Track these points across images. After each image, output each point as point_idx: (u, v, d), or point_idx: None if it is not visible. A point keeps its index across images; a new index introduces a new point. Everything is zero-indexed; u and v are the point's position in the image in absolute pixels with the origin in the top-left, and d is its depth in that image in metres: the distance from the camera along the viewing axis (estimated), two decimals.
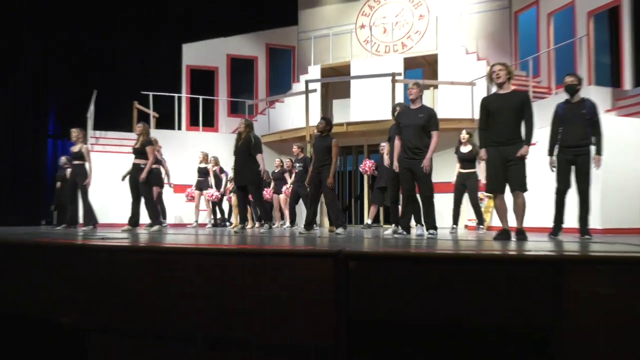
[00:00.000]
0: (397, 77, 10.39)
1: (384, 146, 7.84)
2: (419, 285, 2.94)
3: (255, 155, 6.90)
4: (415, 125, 5.61)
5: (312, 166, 6.99)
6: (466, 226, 9.69)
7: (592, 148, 5.34)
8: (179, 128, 12.83)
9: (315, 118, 11.75)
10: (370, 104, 11.19)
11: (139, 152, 7.26)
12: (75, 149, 8.04)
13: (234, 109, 14.36)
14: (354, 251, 3.18)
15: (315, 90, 11.50)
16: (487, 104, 4.99)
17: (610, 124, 6.92)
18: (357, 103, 11.59)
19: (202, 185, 10.17)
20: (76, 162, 7.98)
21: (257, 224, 9.56)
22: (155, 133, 11.43)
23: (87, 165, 7.99)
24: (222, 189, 10.17)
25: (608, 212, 6.65)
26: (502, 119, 4.85)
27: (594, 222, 6.65)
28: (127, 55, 13.78)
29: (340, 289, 3.04)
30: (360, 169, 9.03)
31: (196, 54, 14.10)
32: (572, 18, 10.87)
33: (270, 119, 12.89)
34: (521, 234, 4.83)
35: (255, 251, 3.43)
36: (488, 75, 5.13)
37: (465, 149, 7.72)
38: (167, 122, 12.64)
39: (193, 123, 13.31)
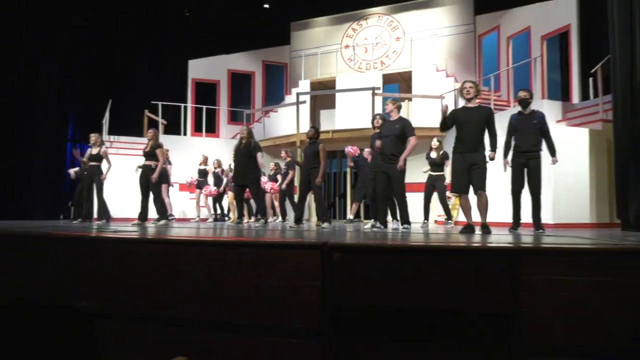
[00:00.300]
0: (376, 91, 10.40)
1: (366, 151, 7.90)
2: (395, 273, 2.91)
3: (256, 155, 6.88)
4: (393, 135, 5.66)
5: (302, 168, 6.97)
6: (436, 221, 9.71)
7: (542, 153, 5.41)
8: (185, 134, 12.71)
9: (305, 126, 11.70)
10: (353, 114, 11.17)
11: (149, 155, 7.17)
12: (94, 151, 7.91)
13: (234, 117, 14.26)
14: (338, 243, 3.15)
15: (305, 102, 11.46)
16: (456, 115, 5.02)
17: (561, 133, 6.97)
18: (342, 113, 11.57)
19: (201, 185, 10.08)
20: (93, 163, 7.84)
21: (252, 219, 9.49)
22: (163, 138, 11.27)
23: (104, 165, 7.86)
24: (222, 187, 10.08)
25: (559, 209, 6.70)
26: (469, 130, 4.86)
27: (547, 218, 6.70)
28: (140, 69, 13.62)
29: (325, 278, 3.01)
30: (346, 152, 8.84)
31: (201, 68, 14.00)
32: (528, 41, 10.97)
33: (265, 127, 12.82)
34: (485, 228, 4.84)
35: (250, 243, 3.38)
36: (459, 90, 5.13)
37: (435, 154, 7.75)
38: (174, 128, 12.51)
39: (197, 129, 13.20)
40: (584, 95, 9.35)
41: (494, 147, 4.99)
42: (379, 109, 10.26)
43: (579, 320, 2.61)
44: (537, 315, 2.66)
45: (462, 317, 2.78)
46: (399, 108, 5.85)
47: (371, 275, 2.95)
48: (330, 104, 12.47)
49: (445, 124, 5.04)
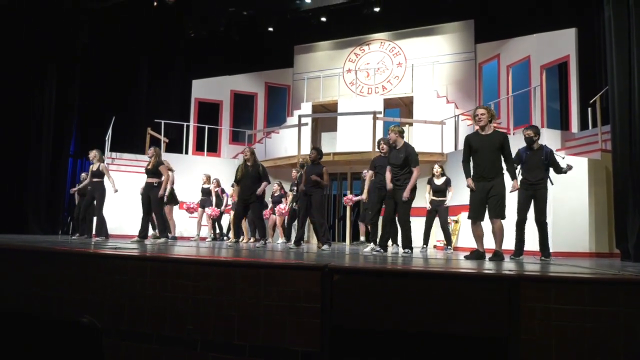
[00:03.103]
0: (377, 115, 10.54)
1: (366, 173, 7.95)
2: (395, 297, 2.93)
3: (263, 182, 6.98)
4: (396, 164, 5.76)
5: (301, 188, 7.02)
6: (435, 246, 9.71)
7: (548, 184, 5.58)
8: (186, 153, 12.78)
9: (306, 148, 11.82)
10: (354, 137, 11.28)
11: (152, 172, 7.22)
12: (94, 167, 7.95)
13: (235, 138, 14.37)
14: (338, 265, 3.18)
15: (307, 124, 11.60)
16: (470, 141, 5.07)
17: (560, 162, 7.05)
18: (343, 136, 11.68)
19: (204, 203, 10.09)
20: (95, 179, 7.86)
21: (252, 239, 9.49)
22: (165, 157, 11.39)
23: (105, 181, 7.88)
24: (222, 207, 10.11)
25: (558, 238, 6.71)
26: (484, 157, 4.91)
27: None
28: (145, 87, 13.80)
29: (325, 299, 3.02)
30: (344, 202, 9.15)
31: (204, 88, 14.18)
32: (528, 70, 11.16)
33: (266, 147, 12.91)
34: (497, 255, 4.87)
35: (251, 263, 3.41)
36: (472, 116, 5.18)
37: (439, 181, 7.84)
38: (175, 147, 12.60)
39: (199, 148, 13.27)
40: (583, 125, 9.47)
41: (512, 176, 5.10)
42: (380, 133, 10.38)
43: (576, 349, 2.62)
44: (534, 342, 2.67)
45: (460, 342, 2.79)
46: (401, 134, 5.89)
47: (371, 298, 2.97)
48: (331, 126, 12.59)
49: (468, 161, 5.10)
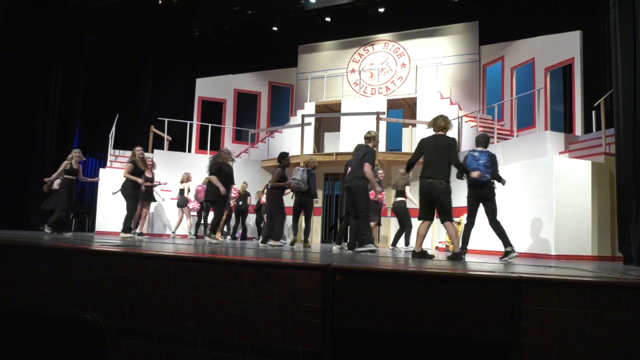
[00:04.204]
0: (381, 116, 10.53)
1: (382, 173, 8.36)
2: (397, 298, 2.93)
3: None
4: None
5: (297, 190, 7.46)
6: (437, 247, 9.70)
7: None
8: (189, 151, 12.81)
9: (309, 148, 11.84)
10: (357, 137, 11.22)
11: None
12: (75, 166, 8.19)
13: (238, 137, 14.40)
14: (341, 266, 3.18)
15: (310, 124, 11.61)
16: (423, 143, 5.23)
17: (563, 164, 7.04)
18: (346, 136, 11.68)
19: (182, 203, 10.18)
20: (71, 177, 8.13)
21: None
22: (167, 155, 11.43)
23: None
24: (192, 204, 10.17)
25: (560, 241, 6.70)
26: (433, 160, 5.05)
27: (548, 249, 6.71)
28: (149, 85, 13.84)
29: (327, 300, 3.03)
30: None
31: (208, 87, 14.21)
32: (532, 72, 11.14)
33: (269, 147, 12.93)
34: (454, 255, 5.01)
35: (253, 262, 3.41)
36: (431, 123, 5.33)
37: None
38: (179, 145, 12.63)
39: (202, 147, 13.30)
40: (587, 128, 9.45)
41: (464, 170, 5.27)
42: (383, 134, 10.38)
43: (577, 352, 2.62)
44: (536, 345, 2.67)
45: (462, 344, 2.79)
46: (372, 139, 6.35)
47: (373, 299, 2.97)
48: (334, 126, 12.60)
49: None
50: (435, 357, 2.81)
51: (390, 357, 2.87)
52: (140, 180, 7.42)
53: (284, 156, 7.52)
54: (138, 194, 7.56)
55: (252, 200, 10.90)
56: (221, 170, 7.16)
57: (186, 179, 10.22)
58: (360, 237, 5.84)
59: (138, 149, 7.64)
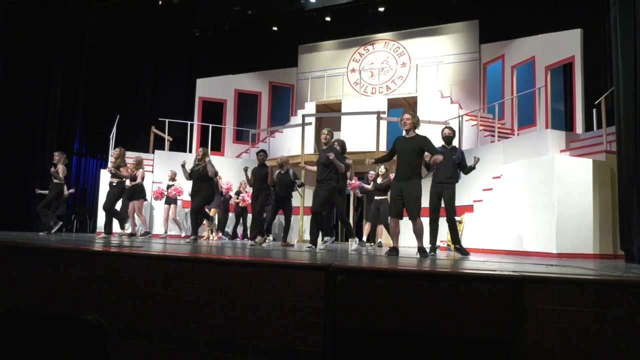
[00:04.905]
0: (381, 115, 10.51)
1: (372, 174, 8.36)
2: (399, 298, 2.93)
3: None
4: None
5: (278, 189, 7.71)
6: (438, 247, 9.68)
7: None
8: (190, 151, 12.80)
9: (310, 147, 11.83)
10: (358, 137, 11.27)
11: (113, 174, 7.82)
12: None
13: (239, 137, 14.40)
14: (342, 265, 3.17)
15: (310, 124, 11.59)
16: (395, 143, 5.32)
17: (564, 162, 7.03)
18: (347, 136, 11.65)
19: (170, 201, 10.16)
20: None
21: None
22: (168, 155, 11.43)
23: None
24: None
25: (562, 239, 6.69)
26: (403, 159, 5.13)
27: (550, 247, 6.70)
28: (149, 86, 13.85)
29: (328, 299, 3.02)
30: (351, 189, 9.27)
31: (208, 87, 14.21)
32: (532, 71, 11.12)
33: (270, 146, 12.93)
34: (422, 251, 5.09)
35: (254, 262, 3.41)
36: (399, 120, 5.39)
37: (380, 180, 8.57)
38: (179, 145, 12.63)
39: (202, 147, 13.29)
40: (588, 126, 9.43)
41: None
42: (383, 133, 10.37)
43: (579, 351, 2.61)
44: (537, 344, 2.66)
45: (463, 344, 2.78)
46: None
47: (374, 299, 2.97)
48: (335, 126, 12.56)
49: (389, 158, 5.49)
50: (437, 357, 2.81)
51: (392, 357, 2.87)
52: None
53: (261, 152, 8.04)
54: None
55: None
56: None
57: (172, 177, 10.21)
58: (311, 235, 6.21)
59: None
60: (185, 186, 9.38)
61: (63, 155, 8.43)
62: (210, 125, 12.77)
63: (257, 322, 3.12)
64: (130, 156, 11.70)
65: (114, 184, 7.83)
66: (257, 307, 3.14)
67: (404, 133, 5.31)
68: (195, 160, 7.13)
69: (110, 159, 8.64)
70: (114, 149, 11.37)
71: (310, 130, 11.66)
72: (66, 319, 1.53)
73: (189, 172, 7.05)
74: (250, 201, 10.05)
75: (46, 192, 8.37)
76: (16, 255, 4.12)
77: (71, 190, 9.91)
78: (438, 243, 9.59)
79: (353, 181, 8.91)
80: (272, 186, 7.78)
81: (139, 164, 8.85)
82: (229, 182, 10.35)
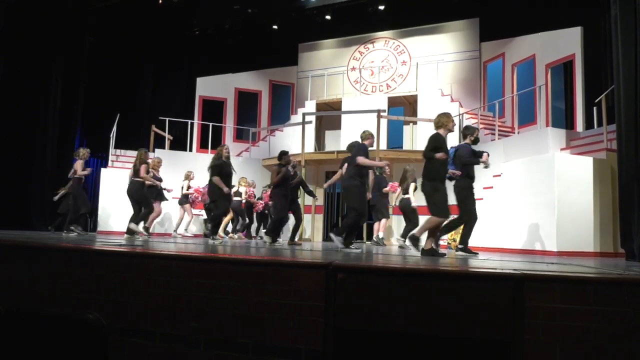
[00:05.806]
0: (381, 114, 10.50)
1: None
2: (399, 296, 2.93)
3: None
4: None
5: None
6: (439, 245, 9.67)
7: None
8: (190, 150, 12.81)
9: (310, 146, 11.83)
10: (358, 135, 11.22)
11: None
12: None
13: (239, 135, 14.40)
14: (343, 264, 3.17)
15: (310, 122, 11.59)
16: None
17: (565, 161, 7.02)
18: (347, 134, 11.64)
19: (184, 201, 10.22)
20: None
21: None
22: (169, 154, 11.42)
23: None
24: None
25: (562, 237, 6.69)
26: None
27: (550, 245, 6.70)
28: (149, 85, 13.84)
29: (328, 298, 3.02)
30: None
31: (208, 86, 14.21)
32: (533, 69, 11.11)
33: (270, 145, 12.92)
34: (412, 238, 5.20)
35: (255, 261, 3.41)
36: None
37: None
38: (180, 144, 12.63)
39: (203, 146, 13.29)
40: (588, 124, 9.42)
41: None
42: (384, 131, 10.36)
43: (580, 349, 2.61)
44: (538, 342, 2.66)
45: (464, 343, 2.78)
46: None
47: (375, 298, 2.96)
48: (335, 124, 12.59)
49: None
50: (437, 357, 2.81)
51: (392, 356, 2.86)
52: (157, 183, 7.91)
53: (284, 154, 7.54)
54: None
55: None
56: (223, 171, 7.18)
57: (187, 176, 10.25)
58: (340, 232, 5.96)
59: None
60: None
61: (86, 150, 8.88)
62: (211, 124, 12.77)
63: (258, 321, 3.12)
64: (132, 155, 11.76)
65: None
66: (257, 306, 3.14)
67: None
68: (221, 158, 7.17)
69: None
70: (114, 147, 11.43)
71: (310, 129, 11.66)
72: (66, 319, 1.53)
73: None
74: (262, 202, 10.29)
75: (62, 191, 8.48)
76: (16, 255, 4.12)
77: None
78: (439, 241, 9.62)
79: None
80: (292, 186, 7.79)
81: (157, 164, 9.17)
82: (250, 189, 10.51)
